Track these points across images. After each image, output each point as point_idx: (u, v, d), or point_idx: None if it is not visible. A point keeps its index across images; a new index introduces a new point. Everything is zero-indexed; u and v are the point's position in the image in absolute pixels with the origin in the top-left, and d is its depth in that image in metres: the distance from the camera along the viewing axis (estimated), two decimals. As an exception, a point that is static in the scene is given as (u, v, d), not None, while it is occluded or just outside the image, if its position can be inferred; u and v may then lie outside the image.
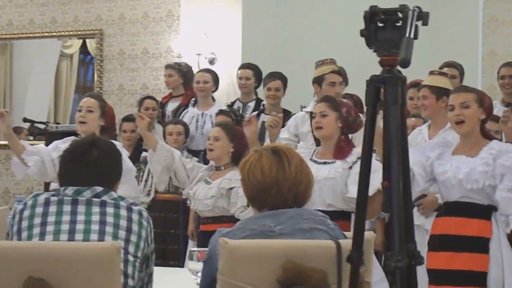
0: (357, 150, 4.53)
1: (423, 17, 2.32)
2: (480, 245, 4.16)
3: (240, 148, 5.01)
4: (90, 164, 2.85)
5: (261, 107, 6.86)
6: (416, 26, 2.30)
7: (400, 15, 2.33)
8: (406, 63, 2.21)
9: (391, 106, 2.34)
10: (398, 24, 2.34)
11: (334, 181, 4.50)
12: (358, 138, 4.78)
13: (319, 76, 5.86)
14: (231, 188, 4.90)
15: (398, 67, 2.32)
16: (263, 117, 6.66)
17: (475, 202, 4.18)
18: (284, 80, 6.66)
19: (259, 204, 2.80)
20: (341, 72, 5.91)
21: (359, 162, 4.37)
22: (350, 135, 4.73)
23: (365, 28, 2.38)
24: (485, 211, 4.19)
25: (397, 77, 2.35)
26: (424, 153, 4.31)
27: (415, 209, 5.00)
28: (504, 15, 8.73)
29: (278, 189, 2.74)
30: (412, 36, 2.26)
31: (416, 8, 2.31)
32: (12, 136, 5.02)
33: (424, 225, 4.96)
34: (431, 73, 5.44)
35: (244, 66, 7.24)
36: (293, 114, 6.20)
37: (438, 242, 4.25)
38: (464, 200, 4.19)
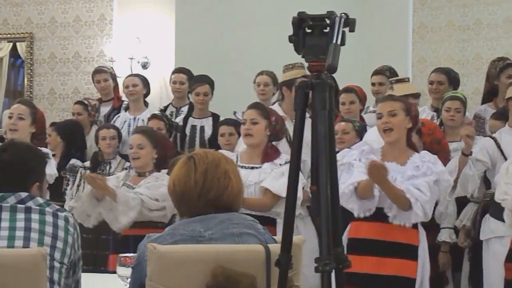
0: (287, 155, 4.60)
1: (350, 23, 2.35)
2: (409, 252, 4.26)
3: (163, 154, 5.02)
4: (1, 169, 2.82)
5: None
6: (343, 33, 2.33)
7: (327, 21, 2.36)
8: (332, 69, 2.24)
9: (319, 111, 2.36)
10: (325, 31, 2.36)
11: None
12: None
13: (290, 80, 5.77)
14: None
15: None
16: (192, 121, 6.66)
17: None
18: (211, 83, 6.67)
19: (179, 212, 2.81)
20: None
21: (287, 166, 4.49)
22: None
23: (293, 34, 2.40)
24: None
25: (325, 83, 2.37)
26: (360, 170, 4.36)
27: None
28: (433, 22, 8.92)
29: (187, 198, 2.74)
30: (339, 42, 2.29)
31: (343, 14, 2.34)
32: None
33: None
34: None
35: (177, 71, 7.25)
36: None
37: (360, 246, 4.30)
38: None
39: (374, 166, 4.07)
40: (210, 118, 6.68)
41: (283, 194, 4.42)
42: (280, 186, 4.50)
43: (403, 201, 4.17)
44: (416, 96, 5.34)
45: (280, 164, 4.63)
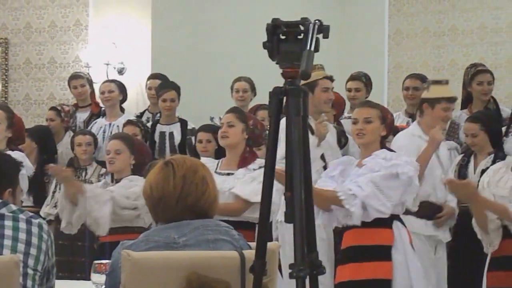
0: (261, 160, 4.60)
1: (324, 30, 2.36)
2: (383, 253, 4.27)
3: (141, 160, 5.00)
4: None
5: (157, 117, 6.87)
6: (317, 39, 2.34)
7: (301, 28, 2.37)
8: (306, 75, 2.25)
9: (293, 117, 2.37)
10: (299, 37, 2.37)
11: None
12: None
13: (311, 82, 5.36)
14: None
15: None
16: (160, 127, 6.66)
17: None
18: (178, 89, 6.67)
19: (154, 218, 2.79)
20: (332, 79, 5.65)
21: (260, 171, 4.50)
22: None
23: (267, 41, 2.41)
24: (385, 220, 4.30)
25: (299, 89, 2.38)
26: (330, 176, 4.38)
27: (430, 222, 5.05)
28: (409, 29, 8.97)
29: (165, 203, 2.72)
30: (313, 49, 2.30)
31: (317, 21, 2.35)
32: None
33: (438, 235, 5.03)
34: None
35: (153, 76, 7.24)
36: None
37: (343, 255, 4.34)
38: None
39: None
40: (178, 124, 6.68)
41: (253, 199, 4.45)
42: (250, 191, 4.49)
43: (332, 200, 4.17)
44: (451, 100, 5.19)
45: (254, 169, 4.63)
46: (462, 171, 5.57)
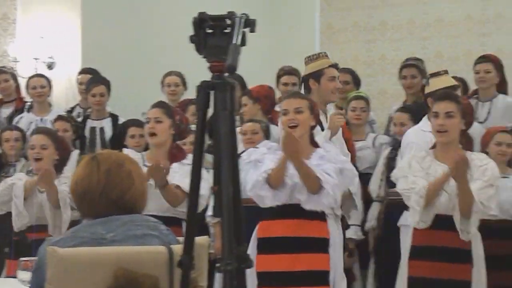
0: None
1: (250, 24, 2.36)
2: (321, 245, 4.32)
3: (64, 155, 4.97)
4: None
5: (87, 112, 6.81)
6: (244, 33, 2.34)
7: (228, 22, 2.37)
8: (232, 69, 2.24)
9: (221, 112, 2.36)
10: (226, 31, 2.37)
11: None
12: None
13: (317, 71, 5.23)
14: None
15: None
16: (90, 122, 6.60)
17: None
18: (107, 84, 6.63)
19: (81, 213, 2.77)
20: (338, 67, 5.48)
21: None
22: None
23: (194, 35, 2.40)
24: (321, 213, 4.34)
25: (226, 83, 2.38)
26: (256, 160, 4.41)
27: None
28: (340, 23, 9.06)
29: (90, 197, 2.70)
30: (239, 43, 2.30)
31: (243, 15, 2.35)
32: None
33: None
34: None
35: (84, 71, 7.19)
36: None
37: (273, 245, 4.34)
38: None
39: (290, 135, 4.12)
40: (109, 119, 6.65)
41: None
42: (187, 185, 4.50)
43: (313, 181, 4.21)
44: (453, 88, 5.09)
45: (188, 164, 4.64)
46: (390, 164, 5.66)
